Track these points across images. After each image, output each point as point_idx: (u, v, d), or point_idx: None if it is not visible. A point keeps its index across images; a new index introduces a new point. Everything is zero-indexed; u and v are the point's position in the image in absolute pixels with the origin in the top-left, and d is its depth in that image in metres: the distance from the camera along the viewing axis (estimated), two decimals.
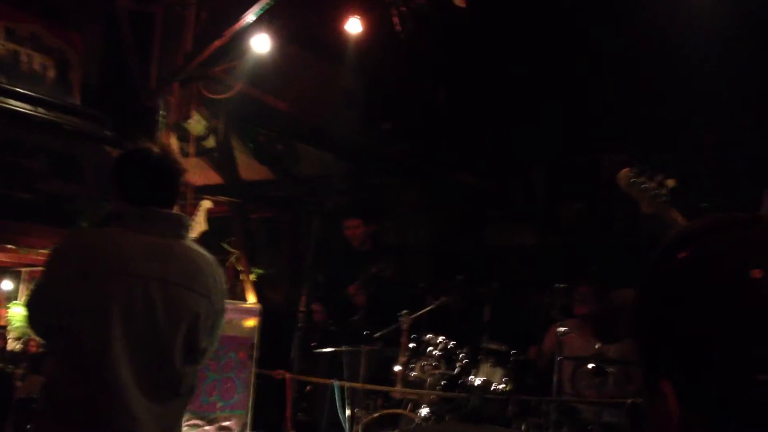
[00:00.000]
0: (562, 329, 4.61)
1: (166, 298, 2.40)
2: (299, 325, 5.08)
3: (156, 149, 2.79)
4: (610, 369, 4.36)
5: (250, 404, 3.73)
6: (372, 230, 6.14)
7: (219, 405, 3.63)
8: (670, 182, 3.13)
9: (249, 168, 7.14)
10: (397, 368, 4.76)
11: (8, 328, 5.74)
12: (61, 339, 2.40)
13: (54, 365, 2.43)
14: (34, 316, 2.50)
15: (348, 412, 4.67)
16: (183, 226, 2.60)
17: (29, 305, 2.51)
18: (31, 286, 2.48)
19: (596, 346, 4.51)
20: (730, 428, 0.72)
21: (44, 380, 2.46)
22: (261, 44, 5.00)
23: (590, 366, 4.42)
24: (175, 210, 2.62)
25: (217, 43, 5.00)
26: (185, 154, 5.44)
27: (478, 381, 4.72)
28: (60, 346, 2.41)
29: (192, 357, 2.47)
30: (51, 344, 2.55)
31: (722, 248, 0.78)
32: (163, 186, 2.61)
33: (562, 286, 4.78)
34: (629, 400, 3.93)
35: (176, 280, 2.44)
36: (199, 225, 4.24)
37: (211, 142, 5.90)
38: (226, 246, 6.67)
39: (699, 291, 0.76)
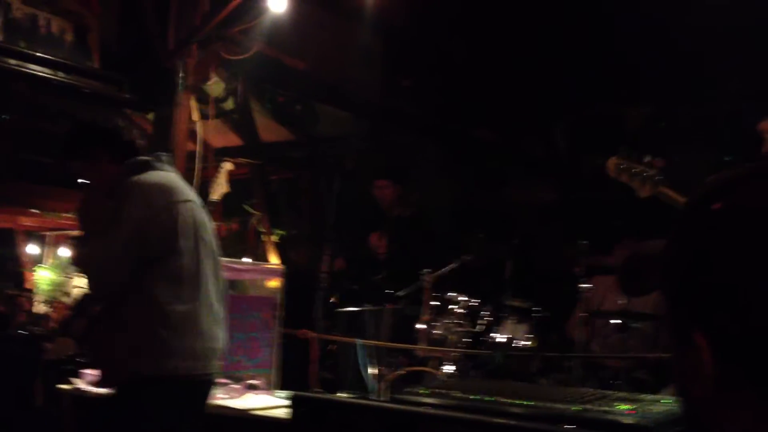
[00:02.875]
0: (586, 285, 4.59)
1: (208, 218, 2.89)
2: (322, 285, 5.10)
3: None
4: (635, 324, 4.34)
5: (275, 363, 3.76)
6: (401, 192, 6.05)
7: (245, 364, 3.67)
8: (659, 162, 3.09)
9: (268, 129, 7.12)
10: (420, 326, 4.78)
11: (35, 291, 5.80)
12: (161, 264, 2.65)
13: (158, 287, 2.64)
14: (127, 251, 2.63)
15: (373, 370, 4.70)
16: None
17: (124, 242, 2.63)
18: (119, 225, 2.58)
19: (620, 302, 4.48)
20: None
21: (145, 300, 2.64)
22: (278, 3, 4.94)
23: (615, 321, 4.40)
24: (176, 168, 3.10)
25: (234, 2, 4.95)
26: (205, 117, 5.43)
27: (501, 338, 4.73)
28: (165, 270, 2.65)
29: None
30: (139, 276, 2.69)
31: (759, 197, 0.76)
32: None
33: (585, 242, 4.74)
34: (655, 356, 3.93)
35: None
36: (221, 187, 4.26)
37: (230, 104, 5.89)
38: (247, 208, 6.69)
39: (738, 241, 0.75)
